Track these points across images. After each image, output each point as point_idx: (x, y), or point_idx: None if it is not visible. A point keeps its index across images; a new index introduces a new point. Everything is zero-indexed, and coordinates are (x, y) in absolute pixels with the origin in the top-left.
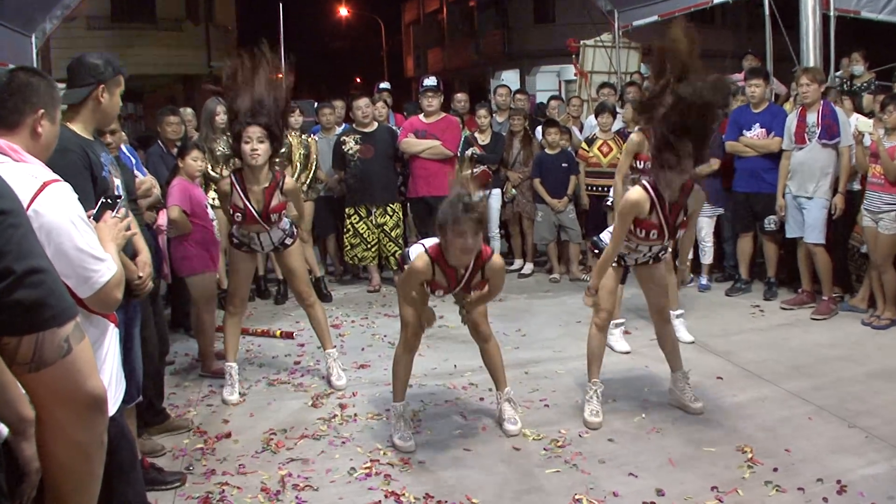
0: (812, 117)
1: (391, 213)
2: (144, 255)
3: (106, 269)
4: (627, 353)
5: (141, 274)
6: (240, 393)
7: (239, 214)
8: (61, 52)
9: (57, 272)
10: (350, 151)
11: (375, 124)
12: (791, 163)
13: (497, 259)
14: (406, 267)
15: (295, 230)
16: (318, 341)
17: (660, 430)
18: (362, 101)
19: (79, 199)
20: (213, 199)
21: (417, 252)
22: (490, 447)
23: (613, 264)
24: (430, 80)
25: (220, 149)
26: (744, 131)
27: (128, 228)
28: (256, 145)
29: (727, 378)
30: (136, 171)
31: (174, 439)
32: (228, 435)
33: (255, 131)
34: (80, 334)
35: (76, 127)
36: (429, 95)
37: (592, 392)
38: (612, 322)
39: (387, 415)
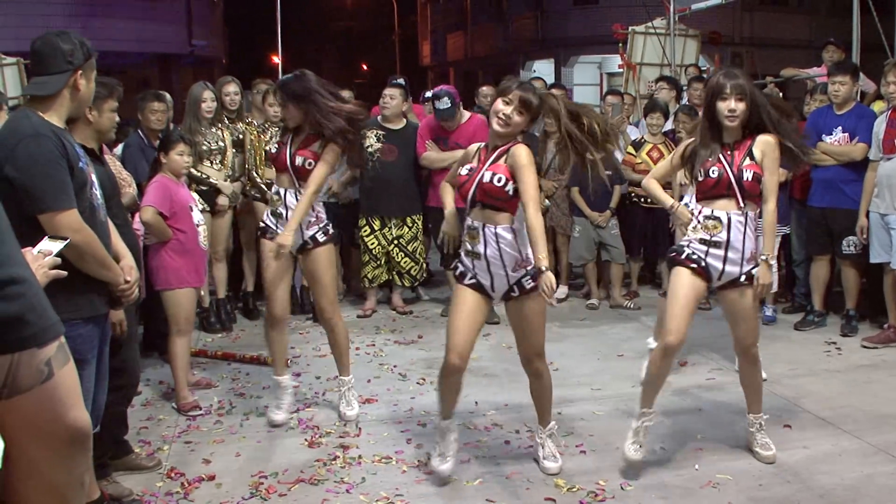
0: None
1: (410, 225)
2: (128, 258)
3: None
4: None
5: (128, 278)
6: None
7: (273, 149)
8: (7, 20)
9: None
10: (370, 149)
11: (404, 121)
12: (878, 174)
13: (521, 145)
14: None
15: (330, 228)
16: (318, 369)
17: (717, 484)
18: (396, 90)
19: (58, 191)
20: (201, 200)
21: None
22: (518, 499)
23: (693, 266)
24: (443, 103)
25: (206, 142)
26: (823, 136)
27: (55, 267)
28: None
29: (797, 426)
30: None
31: (145, 482)
32: (211, 478)
33: None
34: (65, 356)
35: (51, 118)
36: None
37: (640, 423)
38: None
39: (397, 457)
